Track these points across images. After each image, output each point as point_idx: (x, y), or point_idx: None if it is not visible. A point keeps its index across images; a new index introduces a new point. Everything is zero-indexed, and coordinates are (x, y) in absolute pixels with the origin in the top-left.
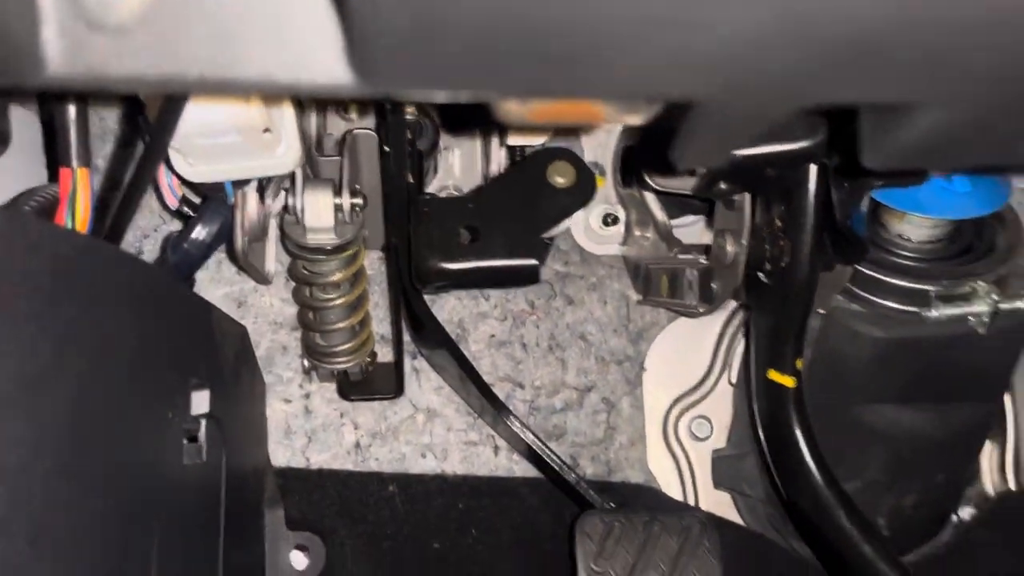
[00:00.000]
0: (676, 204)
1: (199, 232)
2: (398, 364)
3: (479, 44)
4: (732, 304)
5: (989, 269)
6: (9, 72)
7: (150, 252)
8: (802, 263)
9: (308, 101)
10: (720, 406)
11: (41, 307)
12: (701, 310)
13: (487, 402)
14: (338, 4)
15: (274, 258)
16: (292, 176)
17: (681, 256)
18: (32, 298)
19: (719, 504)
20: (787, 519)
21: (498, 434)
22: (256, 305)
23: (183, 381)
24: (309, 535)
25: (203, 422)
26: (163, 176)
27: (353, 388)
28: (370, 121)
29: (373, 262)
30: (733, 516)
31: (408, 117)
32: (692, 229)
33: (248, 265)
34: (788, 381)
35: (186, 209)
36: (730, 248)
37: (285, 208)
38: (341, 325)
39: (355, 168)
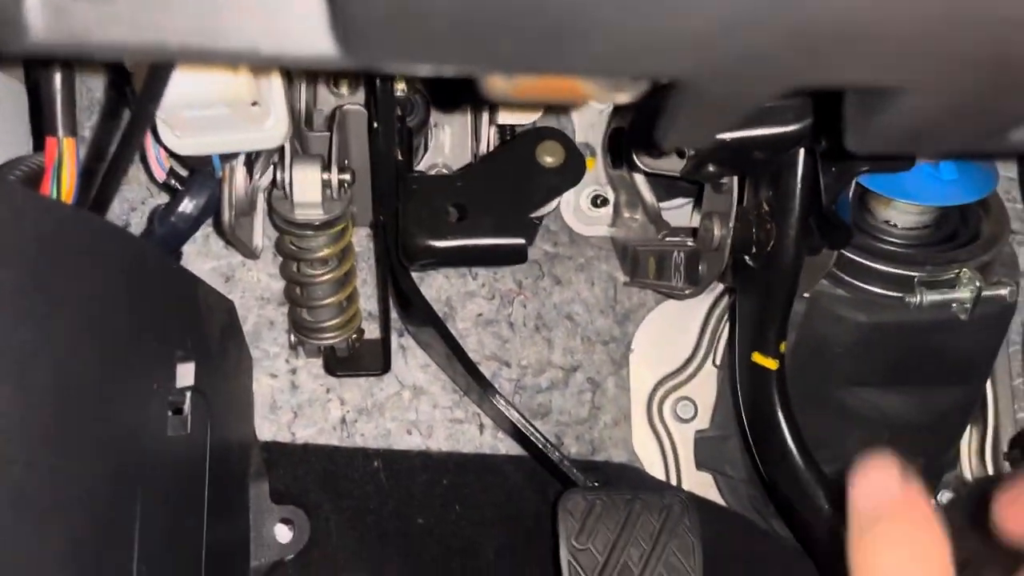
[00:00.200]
0: (664, 187)
1: (186, 205)
2: (385, 341)
3: (462, 18)
4: (719, 287)
5: (973, 256)
6: None
7: (137, 225)
8: (787, 247)
9: (297, 75)
10: (705, 388)
11: (26, 276)
12: (687, 292)
13: (473, 380)
14: None
15: (262, 233)
16: (280, 150)
17: (669, 238)
18: (17, 267)
19: (701, 484)
20: (768, 500)
21: (483, 412)
22: (243, 280)
23: (168, 354)
24: (294, 509)
25: (188, 395)
26: (151, 148)
27: (340, 364)
28: (361, 97)
29: (361, 239)
30: (715, 496)
31: (399, 94)
32: (680, 212)
33: (235, 239)
34: (771, 364)
35: (174, 182)
36: (717, 231)
37: (273, 183)
38: (328, 301)
39: (344, 144)
